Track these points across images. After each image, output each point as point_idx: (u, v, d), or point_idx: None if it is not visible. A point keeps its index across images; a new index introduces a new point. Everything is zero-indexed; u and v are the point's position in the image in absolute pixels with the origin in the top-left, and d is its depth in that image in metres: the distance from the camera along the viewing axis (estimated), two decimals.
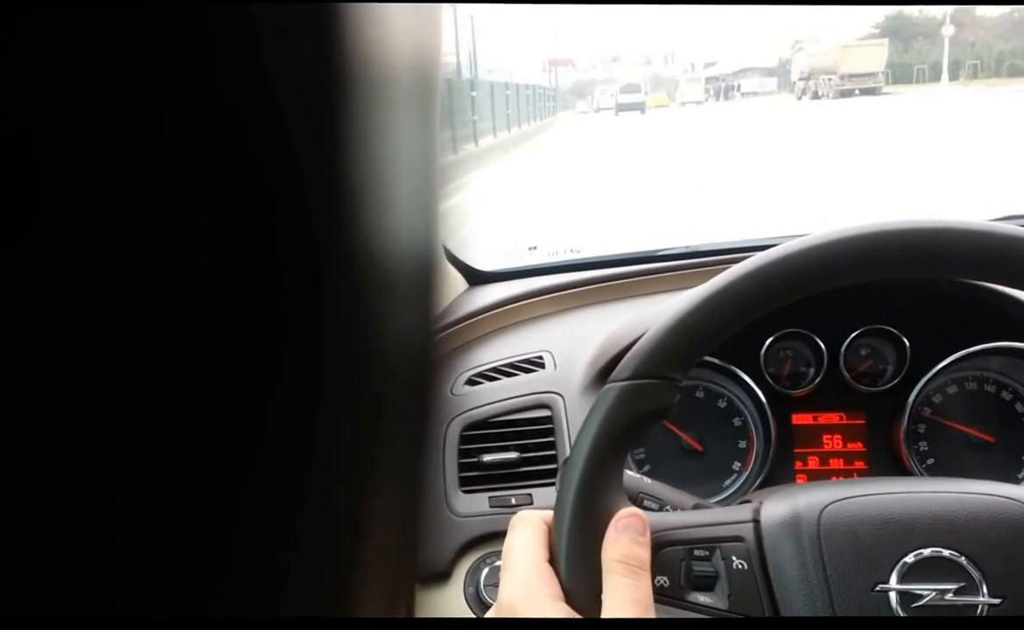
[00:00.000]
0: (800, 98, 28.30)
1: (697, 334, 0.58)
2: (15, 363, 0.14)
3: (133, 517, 0.16)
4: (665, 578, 0.59)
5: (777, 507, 0.61)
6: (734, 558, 0.59)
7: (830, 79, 26.63)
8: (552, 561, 0.57)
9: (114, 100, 0.14)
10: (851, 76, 26.06)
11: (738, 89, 37.61)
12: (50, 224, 0.14)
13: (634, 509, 0.58)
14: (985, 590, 0.55)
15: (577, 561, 0.56)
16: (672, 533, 0.60)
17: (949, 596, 0.55)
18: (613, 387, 0.58)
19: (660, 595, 0.58)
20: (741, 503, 0.67)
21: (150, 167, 0.14)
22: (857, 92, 26.03)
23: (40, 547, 0.15)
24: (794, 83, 30.13)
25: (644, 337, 0.59)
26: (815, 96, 27.38)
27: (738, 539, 0.60)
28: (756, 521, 0.61)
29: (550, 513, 0.59)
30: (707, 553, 0.59)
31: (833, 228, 0.58)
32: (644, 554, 0.56)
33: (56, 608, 0.16)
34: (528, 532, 0.58)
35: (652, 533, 0.58)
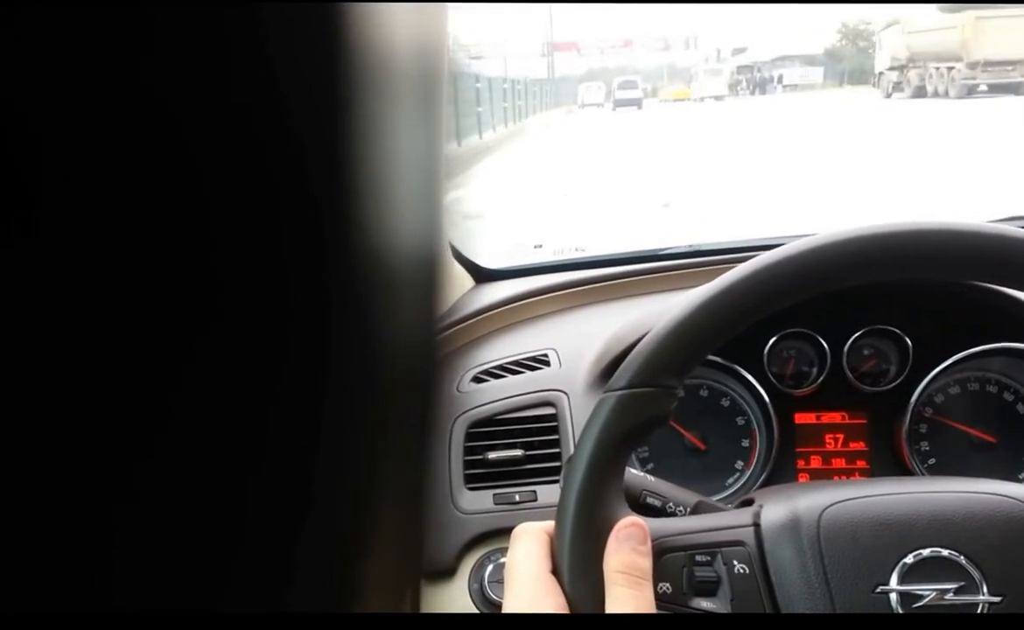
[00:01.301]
0: (889, 95, 19.54)
1: (691, 342, 0.58)
2: (24, 359, 0.15)
3: (142, 516, 0.16)
4: (668, 585, 0.59)
5: (777, 510, 0.61)
6: (735, 562, 0.59)
7: (950, 69, 17.35)
8: (555, 572, 0.57)
9: (120, 98, 0.14)
10: (988, 65, 16.70)
11: (779, 81, 29.87)
12: (59, 219, 0.14)
13: (634, 518, 0.58)
14: (985, 589, 0.55)
15: (580, 571, 0.56)
16: (673, 539, 0.60)
17: (949, 596, 0.56)
18: (609, 396, 0.58)
19: (663, 602, 0.58)
20: (743, 502, 0.68)
21: (155, 163, 0.15)
22: (984, 88, 17.03)
23: (50, 542, 0.15)
24: (879, 74, 20.78)
25: (639, 345, 0.59)
26: (919, 93, 18.26)
27: (739, 543, 0.60)
28: (756, 525, 0.61)
29: (552, 524, 0.59)
30: (708, 558, 0.60)
31: (830, 231, 0.58)
32: (645, 563, 0.56)
33: (67, 601, 0.16)
34: (530, 544, 0.59)
35: (653, 540, 0.58)
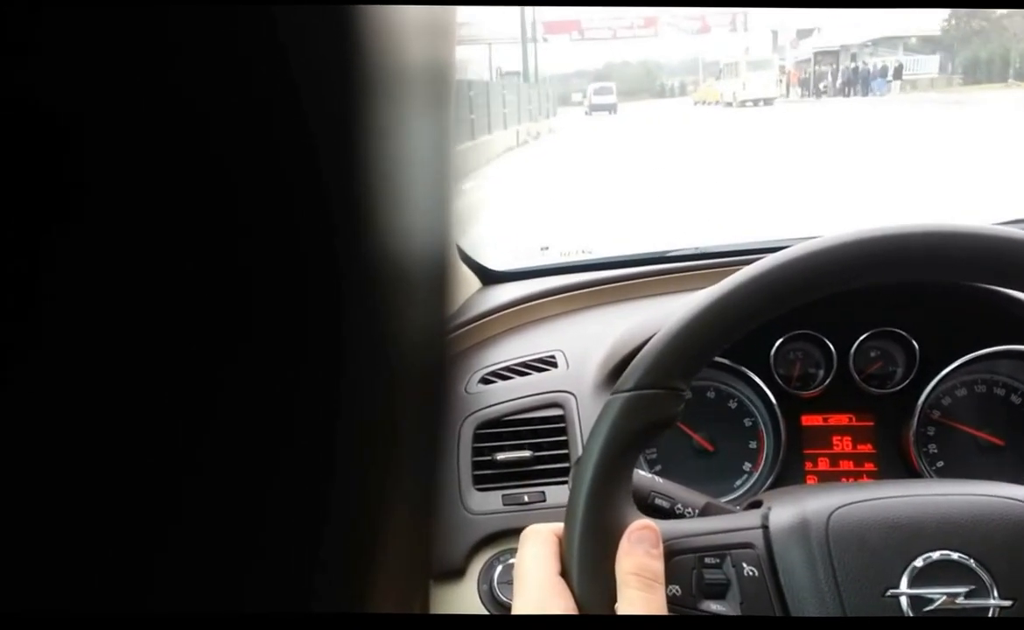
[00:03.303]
0: None
1: (697, 344, 0.58)
2: (52, 359, 0.15)
3: (165, 516, 0.16)
4: (677, 587, 0.59)
5: (786, 512, 0.61)
6: (744, 565, 0.59)
7: None
8: (564, 574, 0.57)
9: (149, 97, 0.14)
10: None
11: (896, 74, 18.62)
12: (91, 219, 0.14)
13: (647, 521, 0.58)
14: (996, 593, 0.55)
15: (589, 573, 0.57)
16: (682, 541, 0.60)
17: (960, 600, 0.56)
18: (617, 398, 0.59)
19: (673, 604, 0.58)
20: (751, 504, 0.68)
21: (180, 162, 0.15)
22: None
23: (80, 545, 0.16)
24: None
25: (646, 347, 0.59)
26: None
27: (748, 546, 0.60)
28: (765, 527, 0.61)
29: (561, 526, 0.60)
30: (718, 560, 0.60)
31: (836, 233, 0.58)
32: (658, 566, 0.56)
33: (101, 601, 0.16)
34: (539, 546, 0.59)
35: (663, 542, 0.58)
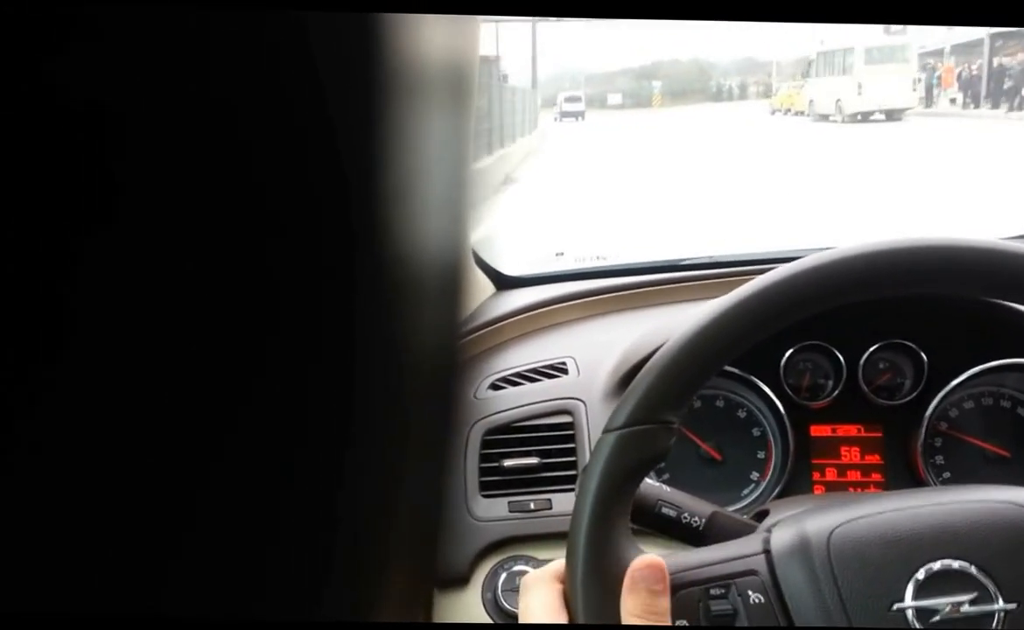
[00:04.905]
0: None
1: (686, 375, 0.59)
2: (79, 360, 0.15)
3: (177, 522, 0.17)
4: (684, 621, 0.59)
5: (787, 534, 0.61)
6: (750, 592, 0.59)
7: None
8: (570, 617, 0.58)
9: (185, 96, 0.15)
10: None
11: None
12: (137, 209, 0.15)
13: (650, 558, 0.58)
14: (1000, 598, 0.56)
15: (594, 615, 0.57)
16: (685, 575, 0.60)
17: (965, 607, 0.56)
18: (608, 437, 0.59)
19: None
20: (758, 514, 0.68)
21: (205, 169, 0.15)
22: None
23: (106, 549, 0.16)
24: None
25: (634, 381, 0.60)
26: None
27: (752, 573, 0.60)
28: (767, 552, 0.61)
29: (560, 569, 0.60)
30: (723, 591, 0.60)
31: (828, 251, 0.59)
32: (663, 603, 0.57)
33: (106, 603, 0.16)
34: (544, 593, 0.59)
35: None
